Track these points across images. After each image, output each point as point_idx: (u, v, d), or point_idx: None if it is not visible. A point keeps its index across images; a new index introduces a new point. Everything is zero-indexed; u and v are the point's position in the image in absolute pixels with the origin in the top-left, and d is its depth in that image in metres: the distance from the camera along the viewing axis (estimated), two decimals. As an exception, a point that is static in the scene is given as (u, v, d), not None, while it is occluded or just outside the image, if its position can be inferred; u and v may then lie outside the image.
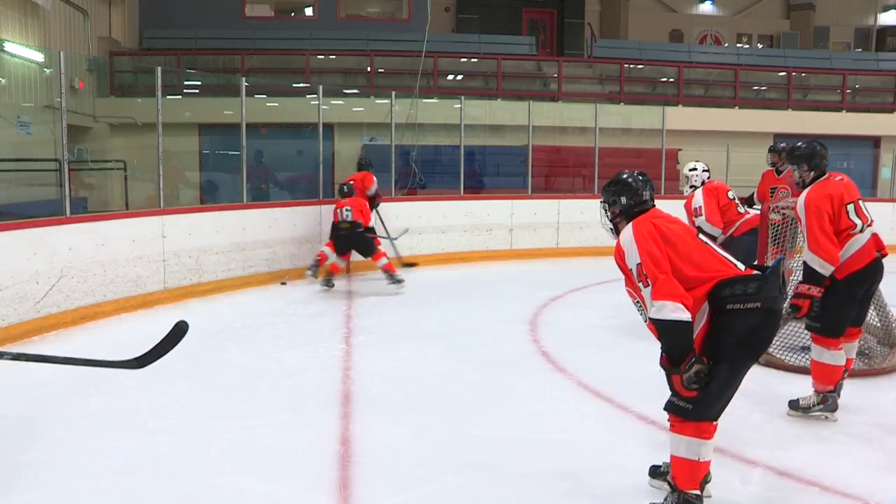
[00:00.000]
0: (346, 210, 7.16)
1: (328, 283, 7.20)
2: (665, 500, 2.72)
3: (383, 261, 7.23)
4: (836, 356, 3.72)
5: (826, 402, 3.72)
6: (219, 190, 11.24)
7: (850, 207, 3.67)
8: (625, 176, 2.87)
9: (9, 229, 5.24)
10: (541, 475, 3.11)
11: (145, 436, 3.52)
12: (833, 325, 3.69)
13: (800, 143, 3.89)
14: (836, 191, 3.67)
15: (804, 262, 3.67)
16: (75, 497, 2.93)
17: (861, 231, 3.68)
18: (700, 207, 5.47)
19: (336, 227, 7.21)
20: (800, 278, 3.81)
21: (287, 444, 3.43)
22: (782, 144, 6.71)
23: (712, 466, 2.71)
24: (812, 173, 3.78)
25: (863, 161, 14.29)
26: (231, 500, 2.92)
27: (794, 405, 3.82)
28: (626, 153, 12.14)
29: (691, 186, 5.68)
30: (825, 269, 3.59)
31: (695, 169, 5.69)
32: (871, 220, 3.74)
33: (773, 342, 4.17)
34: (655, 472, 2.99)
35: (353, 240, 7.20)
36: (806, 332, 4.75)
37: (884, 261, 3.77)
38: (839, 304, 3.68)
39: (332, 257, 7.27)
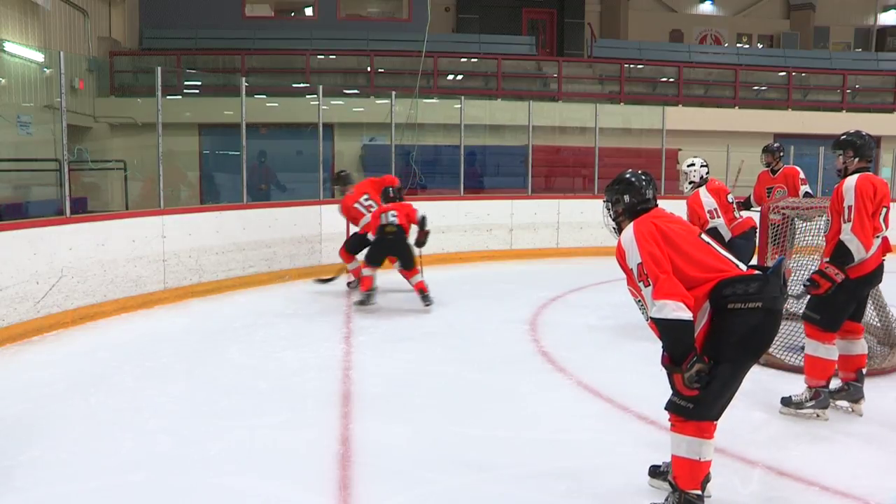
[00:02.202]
0: (392, 214, 6.43)
1: (370, 299, 6.51)
2: (666, 500, 2.72)
3: (417, 278, 6.51)
4: (831, 350, 3.76)
5: (818, 397, 3.76)
6: (219, 190, 11.24)
7: (883, 211, 3.71)
8: (628, 175, 2.89)
9: (9, 229, 5.25)
10: (541, 475, 3.11)
11: (145, 436, 3.52)
12: (833, 319, 3.73)
13: (848, 132, 3.89)
14: (881, 188, 3.71)
15: (839, 242, 3.66)
16: (75, 497, 2.93)
17: (878, 235, 3.72)
18: (716, 210, 5.32)
19: (381, 230, 6.39)
20: (800, 279, 3.82)
21: (287, 444, 3.44)
22: (776, 144, 6.71)
23: (712, 466, 2.71)
24: (856, 160, 3.78)
25: (863, 161, 14.28)
26: (231, 500, 2.92)
27: (786, 402, 3.86)
28: (626, 153, 12.15)
29: (690, 182, 5.55)
30: (860, 253, 3.63)
31: (693, 164, 5.56)
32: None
33: (774, 342, 4.17)
34: (655, 471, 2.99)
35: (398, 247, 6.44)
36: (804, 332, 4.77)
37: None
38: (844, 301, 3.73)
39: (367, 270, 6.58)
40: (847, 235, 3.64)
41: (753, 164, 7.93)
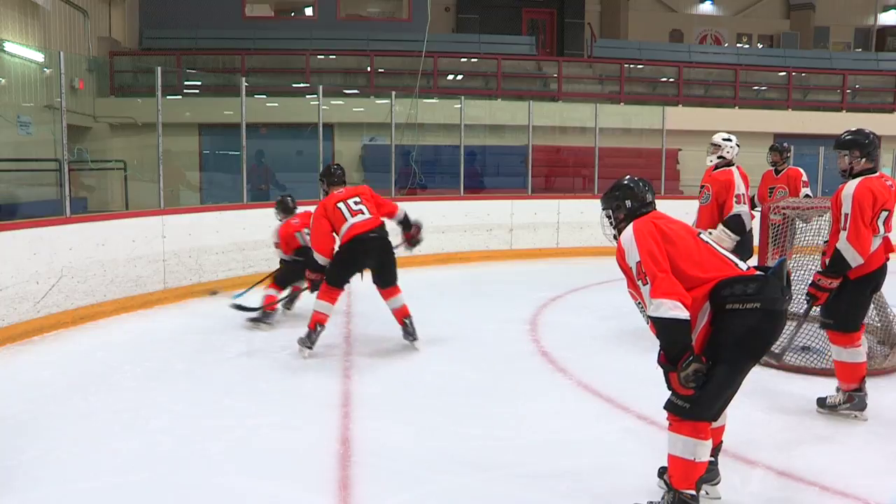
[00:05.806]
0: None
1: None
2: (662, 498, 2.72)
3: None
4: (854, 353, 3.74)
5: (852, 400, 3.75)
6: (219, 190, 11.23)
7: (884, 215, 3.67)
8: (626, 181, 2.90)
9: (9, 229, 5.25)
10: (541, 475, 3.11)
11: (145, 436, 3.52)
12: (846, 321, 3.73)
13: (851, 131, 3.80)
14: (882, 194, 3.65)
15: (835, 250, 3.66)
16: (75, 497, 2.93)
17: (878, 236, 3.70)
18: (743, 195, 5.09)
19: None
20: (799, 278, 3.82)
21: (287, 444, 3.44)
22: (785, 144, 6.69)
23: (717, 467, 2.71)
24: (862, 161, 3.70)
25: (863, 161, 14.28)
26: (231, 500, 2.92)
27: (821, 403, 3.85)
28: (626, 153, 12.15)
29: (720, 157, 5.22)
30: (856, 260, 3.61)
31: (730, 140, 5.26)
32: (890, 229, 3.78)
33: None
34: (664, 471, 2.97)
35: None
36: (806, 332, 4.78)
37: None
38: (850, 301, 3.73)
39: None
40: (843, 244, 3.63)
41: (754, 163, 7.91)
